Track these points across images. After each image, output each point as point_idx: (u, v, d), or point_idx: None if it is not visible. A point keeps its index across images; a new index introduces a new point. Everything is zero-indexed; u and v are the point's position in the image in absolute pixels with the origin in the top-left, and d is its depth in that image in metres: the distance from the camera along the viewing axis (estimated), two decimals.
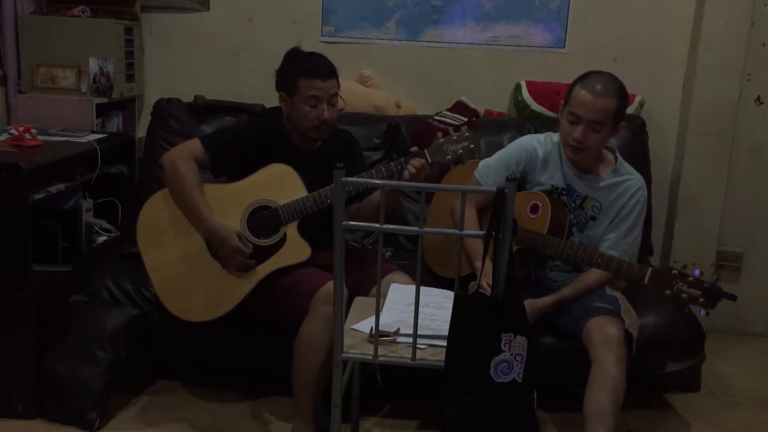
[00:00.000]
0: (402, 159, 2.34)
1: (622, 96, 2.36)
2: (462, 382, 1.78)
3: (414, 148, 2.35)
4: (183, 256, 2.44)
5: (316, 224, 2.35)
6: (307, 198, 2.38)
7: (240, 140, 2.51)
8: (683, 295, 2.12)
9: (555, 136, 2.51)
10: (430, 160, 2.30)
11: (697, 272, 2.13)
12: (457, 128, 2.33)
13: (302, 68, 2.43)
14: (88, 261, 2.88)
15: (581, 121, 2.32)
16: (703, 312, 2.12)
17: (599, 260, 2.30)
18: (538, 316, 2.38)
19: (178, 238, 2.45)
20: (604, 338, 2.22)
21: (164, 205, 2.47)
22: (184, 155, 2.46)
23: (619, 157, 2.51)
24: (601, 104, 2.30)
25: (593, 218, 2.46)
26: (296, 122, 2.47)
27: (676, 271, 2.14)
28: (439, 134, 2.31)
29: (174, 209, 2.46)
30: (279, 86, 2.49)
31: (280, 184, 2.42)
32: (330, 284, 2.27)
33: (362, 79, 3.41)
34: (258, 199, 2.43)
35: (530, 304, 2.34)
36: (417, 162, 2.29)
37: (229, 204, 2.43)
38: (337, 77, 2.47)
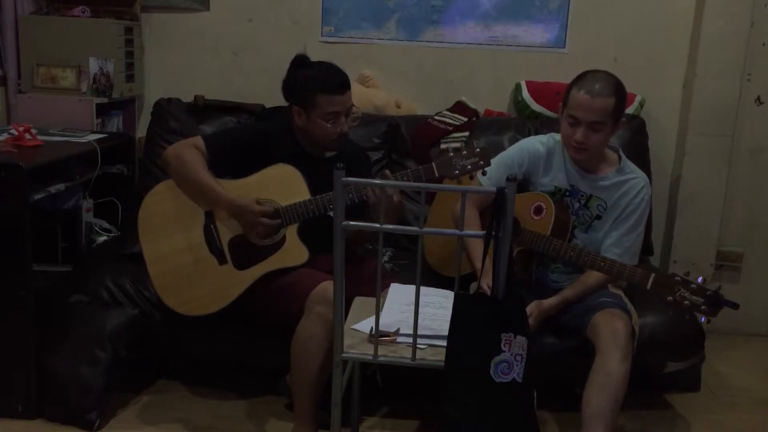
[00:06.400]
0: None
1: (620, 93, 2.35)
2: (462, 382, 1.78)
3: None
4: (182, 249, 2.44)
5: (317, 228, 2.34)
6: (310, 202, 2.38)
7: (243, 143, 2.50)
8: (685, 302, 2.12)
9: (558, 137, 2.51)
10: (437, 174, 2.27)
11: (700, 280, 2.13)
12: (468, 143, 2.30)
13: (319, 82, 2.38)
14: (88, 261, 2.88)
15: (581, 123, 2.33)
16: (704, 320, 2.12)
17: (602, 264, 2.30)
18: (543, 317, 2.38)
19: (177, 232, 2.45)
20: (612, 333, 2.22)
21: (166, 197, 2.47)
22: (187, 145, 2.46)
23: (623, 156, 2.51)
24: (599, 104, 2.30)
25: (599, 217, 2.46)
26: (312, 134, 2.45)
27: (679, 278, 2.14)
28: (450, 148, 2.29)
29: (176, 202, 2.46)
30: (291, 99, 2.46)
31: (284, 185, 2.42)
32: (325, 284, 2.27)
33: (362, 79, 3.41)
34: (261, 198, 2.43)
35: (536, 305, 2.34)
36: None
37: None
38: (350, 86, 2.44)
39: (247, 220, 2.37)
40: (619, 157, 2.50)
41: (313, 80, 2.40)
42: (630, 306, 2.42)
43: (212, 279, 2.41)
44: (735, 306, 2.10)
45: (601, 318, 2.28)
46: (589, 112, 2.30)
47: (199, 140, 2.47)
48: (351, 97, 2.44)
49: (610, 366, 2.17)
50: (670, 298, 2.14)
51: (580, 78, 2.36)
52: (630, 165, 2.50)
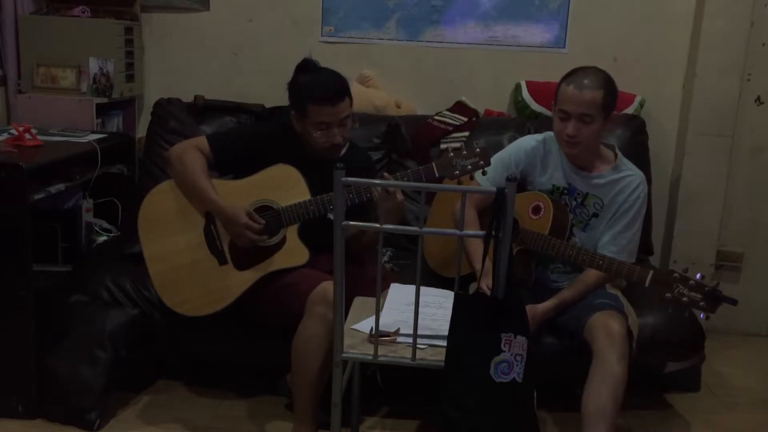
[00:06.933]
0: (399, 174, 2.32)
1: (609, 87, 2.37)
2: (462, 383, 1.78)
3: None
4: (182, 249, 2.44)
5: (317, 228, 2.34)
6: (310, 202, 2.38)
7: (248, 143, 2.50)
8: (684, 299, 2.12)
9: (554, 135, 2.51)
10: (437, 174, 2.28)
11: (698, 276, 2.13)
12: (468, 143, 2.29)
13: (312, 92, 2.37)
14: (88, 261, 2.88)
15: (571, 117, 2.34)
16: (703, 316, 2.12)
17: (600, 262, 2.30)
18: (540, 321, 2.38)
19: (178, 231, 2.46)
20: (608, 334, 2.22)
21: (169, 197, 2.48)
22: (190, 146, 2.46)
23: (620, 154, 2.52)
24: (588, 97, 2.32)
25: (596, 215, 2.47)
26: (307, 139, 2.46)
27: (677, 274, 2.14)
28: (450, 148, 2.29)
29: (177, 201, 2.46)
30: (290, 103, 2.47)
31: (284, 185, 2.42)
32: (325, 284, 2.27)
33: (362, 79, 3.41)
34: (261, 198, 2.43)
35: (531, 309, 2.33)
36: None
37: (232, 201, 2.42)
38: (349, 96, 2.41)
39: (234, 229, 2.38)
40: (615, 155, 2.51)
41: (306, 88, 2.40)
42: (627, 307, 2.42)
43: (212, 279, 2.41)
44: (734, 302, 2.10)
45: (597, 320, 2.28)
46: (578, 105, 2.32)
47: (203, 140, 2.48)
48: (347, 108, 2.41)
49: (608, 367, 2.17)
50: (668, 294, 2.14)
51: (570, 74, 2.39)
52: (626, 163, 2.51)
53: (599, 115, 2.34)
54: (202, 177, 2.41)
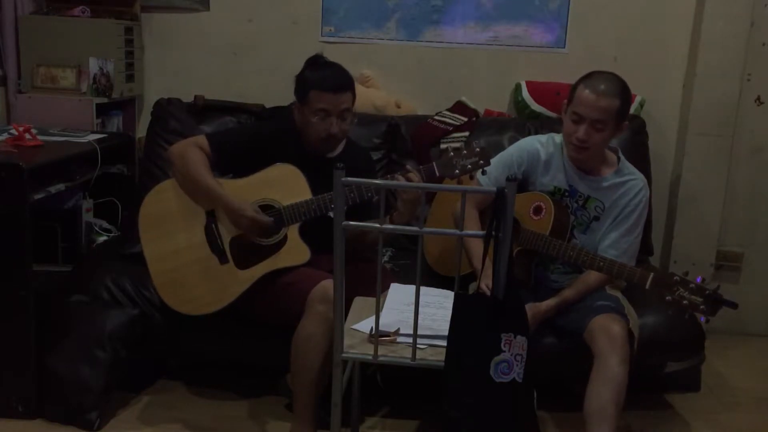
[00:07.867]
0: (398, 173, 2.32)
1: (625, 95, 2.37)
2: (462, 383, 1.78)
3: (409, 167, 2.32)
4: (183, 248, 2.44)
5: (318, 228, 2.34)
6: (311, 201, 2.38)
7: (248, 143, 2.51)
8: (684, 302, 2.12)
9: (557, 137, 2.51)
10: (438, 173, 2.28)
11: (699, 279, 2.13)
12: (468, 142, 2.29)
13: (315, 79, 2.41)
14: (88, 261, 2.88)
15: (584, 121, 2.33)
16: (703, 319, 2.12)
17: (601, 263, 2.30)
18: (541, 320, 2.38)
19: (178, 231, 2.46)
20: (609, 337, 2.22)
21: (169, 196, 2.48)
22: (191, 145, 2.47)
23: (622, 158, 2.51)
24: (604, 104, 2.31)
25: (596, 218, 2.46)
26: (305, 131, 2.47)
27: (677, 277, 2.14)
28: (450, 148, 2.29)
29: (178, 200, 2.46)
30: (295, 94, 2.49)
31: (285, 184, 2.42)
32: (325, 283, 2.27)
33: (362, 79, 3.40)
34: (262, 197, 2.43)
35: (533, 308, 2.34)
36: (412, 176, 2.27)
37: None
38: (352, 90, 2.44)
39: (243, 223, 2.38)
40: (618, 158, 2.51)
41: (311, 77, 2.43)
42: (628, 308, 2.41)
43: (213, 278, 2.42)
44: (734, 306, 2.10)
45: (597, 323, 2.28)
46: (593, 110, 2.31)
47: (203, 139, 2.48)
48: (348, 101, 2.43)
49: (610, 370, 2.17)
50: (669, 297, 2.14)
51: (588, 77, 2.38)
52: (628, 166, 2.51)
53: (612, 122, 2.34)
54: (206, 173, 2.41)
